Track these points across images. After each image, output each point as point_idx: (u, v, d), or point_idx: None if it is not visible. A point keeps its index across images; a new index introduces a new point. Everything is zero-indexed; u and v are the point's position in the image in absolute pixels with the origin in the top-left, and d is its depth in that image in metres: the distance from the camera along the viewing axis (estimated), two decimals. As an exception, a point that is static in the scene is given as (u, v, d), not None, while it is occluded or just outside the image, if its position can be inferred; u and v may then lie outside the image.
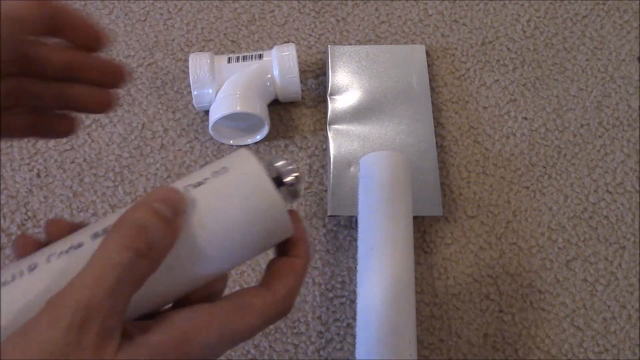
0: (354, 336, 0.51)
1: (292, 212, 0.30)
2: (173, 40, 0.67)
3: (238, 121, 0.60)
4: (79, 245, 0.27)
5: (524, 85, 0.65)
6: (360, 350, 0.48)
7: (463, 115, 0.63)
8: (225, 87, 0.59)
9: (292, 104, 0.63)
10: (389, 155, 0.54)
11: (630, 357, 0.52)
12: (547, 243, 0.57)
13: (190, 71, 0.59)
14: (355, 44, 0.67)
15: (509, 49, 0.67)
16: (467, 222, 0.57)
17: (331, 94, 0.63)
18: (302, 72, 0.65)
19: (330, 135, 0.60)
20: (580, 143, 0.62)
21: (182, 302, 0.29)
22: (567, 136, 0.62)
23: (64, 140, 0.61)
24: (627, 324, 0.53)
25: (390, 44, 0.67)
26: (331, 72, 0.64)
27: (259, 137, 0.60)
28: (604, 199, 0.59)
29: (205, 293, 0.30)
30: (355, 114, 0.61)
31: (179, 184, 0.29)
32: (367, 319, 0.49)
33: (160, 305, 0.29)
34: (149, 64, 0.65)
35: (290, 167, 0.30)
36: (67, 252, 0.27)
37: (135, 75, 0.65)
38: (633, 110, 0.63)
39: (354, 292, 0.53)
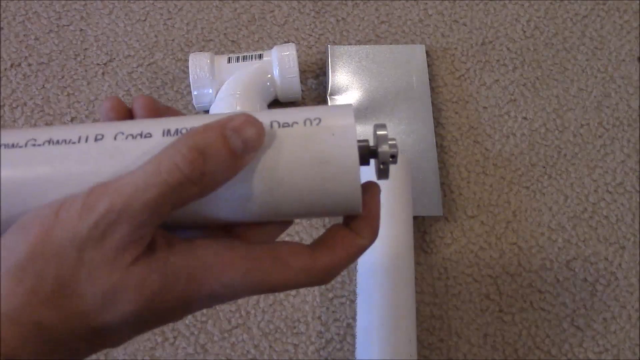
0: (354, 336, 0.51)
1: (371, 187, 0.28)
2: (173, 40, 0.67)
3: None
4: (148, 136, 0.26)
5: (524, 85, 0.65)
6: (360, 350, 0.48)
7: (463, 115, 0.63)
8: (225, 87, 0.59)
9: (292, 103, 0.63)
10: (389, 155, 0.54)
11: (630, 357, 0.52)
12: (547, 243, 0.57)
13: (190, 71, 0.59)
14: (355, 44, 0.67)
15: (509, 49, 0.67)
16: (467, 222, 0.57)
17: (331, 94, 0.63)
18: (302, 72, 0.65)
19: (330, 135, 0.60)
20: (580, 143, 0.62)
21: (228, 229, 0.28)
22: (567, 136, 0.62)
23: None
24: (627, 324, 0.53)
25: (390, 44, 0.67)
26: (331, 72, 0.64)
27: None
28: (604, 199, 0.59)
29: (255, 232, 0.29)
30: (355, 114, 0.61)
31: (266, 116, 0.27)
32: (367, 319, 0.49)
33: (199, 225, 0.28)
34: (149, 64, 0.65)
35: (392, 142, 0.27)
36: (134, 137, 0.26)
37: (135, 75, 0.65)
38: (633, 110, 0.63)
39: (354, 292, 0.53)
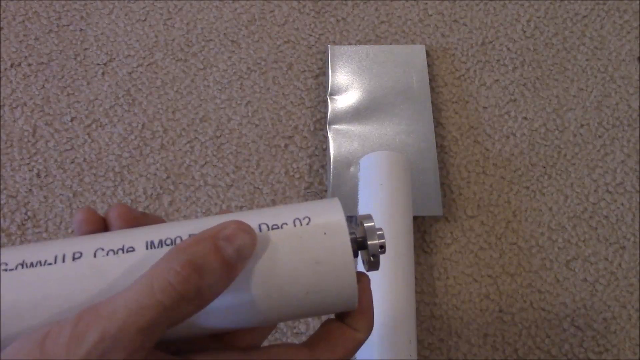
0: (354, 336, 0.50)
1: (361, 279, 0.27)
2: (173, 40, 0.67)
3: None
4: (130, 250, 0.25)
5: (524, 85, 0.65)
6: (360, 350, 0.48)
7: (463, 115, 0.63)
8: None
9: (292, 103, 0.63)
10: (389, 155, 0.54)
11: (630, 357, 0.52)
12: (547, 243, 0.57)
13: None
14: (355, 44, 0.67)
15: (509, 49, 0.67)
16: (467, 222, 0.57)
17: (331, 94, 0.63)
18: (302, 72, 0.65)
19: (330, 135, 0.60)
20: (580, 143, 0.62)
21: (218, 336, 0.28)
22: (567, 136, 0.62)
23: (64, 140, 0.61)
24: (627, 324, 0.53)
25: (390, 44, 0.67)
26: (331, 72, 0.64)
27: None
28: (604, 199, 0.59)
29: (246, 335, 0.28)
30: (355, 114, 0.61)
31: (253, 219, 0.26)
32: (367, 319, 0.49)
33: (194, 336, 0.27)
34: (149, 64, 0.65)
35: (379, 233, 0.27)
36: (116, 252, 0.25)
37: (135, 75, 0.65)
38: (633, 110, 0.63)
39: (354, 292, 0.53)
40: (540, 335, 0.53)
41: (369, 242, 0.27)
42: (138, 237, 0.25)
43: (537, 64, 0.66)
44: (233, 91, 0.64)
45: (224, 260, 0.23)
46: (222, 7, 0.69)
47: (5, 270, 0.24)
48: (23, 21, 0.67)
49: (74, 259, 0.25)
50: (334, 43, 0.67)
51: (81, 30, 0.67)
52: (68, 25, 0.67)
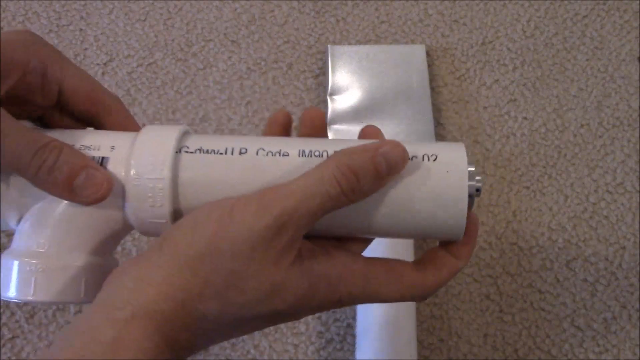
0: (354, 336, 0.51)
1: (470, 215, 0.31)
2: (173, 40, 0.67)
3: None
4: (285, 155, 0.30)
5: (524, 85, 0.65)
6: (360, 350, 0.48)
7: (463, 115, 0.63)
8: None
9: (292, 103, 0.63)
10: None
11: (630, 357, 0.52)
12: (547, 243, 0.57)
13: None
14: (355, 44, 0.67)
15: (509, 49, 0.67)
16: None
17: (331, 94, 0.63)
18: (302, 72, 0.65)
19: (330, 135, 0.60)
20: (580, 143, 0.62)
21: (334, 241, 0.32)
22: (567, 136, 0.62)
23: (64, 140, 0.61)
24: (627, 324, 0.53)
25: (390, 44, 0.67)
26: (331, 72, 0.64)
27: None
28: (604, 199, 0.59)
29: (353, 245, 0.32)
30: (355, 114, 0.61)
31: None
32: (367, 319, 0.49)
33: (325, 234, 0.31)
34: (149, 64, 0.65)
35: (478, 178, 0.31)
36: (274, 154, 0.30)
37: (135, 75, 0.65)
38: (633, 110, 0.63)
39: (354, 292, 0.53)
40: (540, 335, 0.53)
41: (467, 183, 0.31)
42: (292, 145, 0.31)
43: (537, 64, 0.66)
44: (233, 91, 0.64)
45: (377, 173, 0.28)
46: (222, 7, 0.69)
47: (187, 152, 0.30)
48: (23, 21, 0.67)
49: (240, 153, 0.30)
50: (334, 43, 0.67)
51: (81, 30, 0.67)
52: (68, 25, 0.67)
